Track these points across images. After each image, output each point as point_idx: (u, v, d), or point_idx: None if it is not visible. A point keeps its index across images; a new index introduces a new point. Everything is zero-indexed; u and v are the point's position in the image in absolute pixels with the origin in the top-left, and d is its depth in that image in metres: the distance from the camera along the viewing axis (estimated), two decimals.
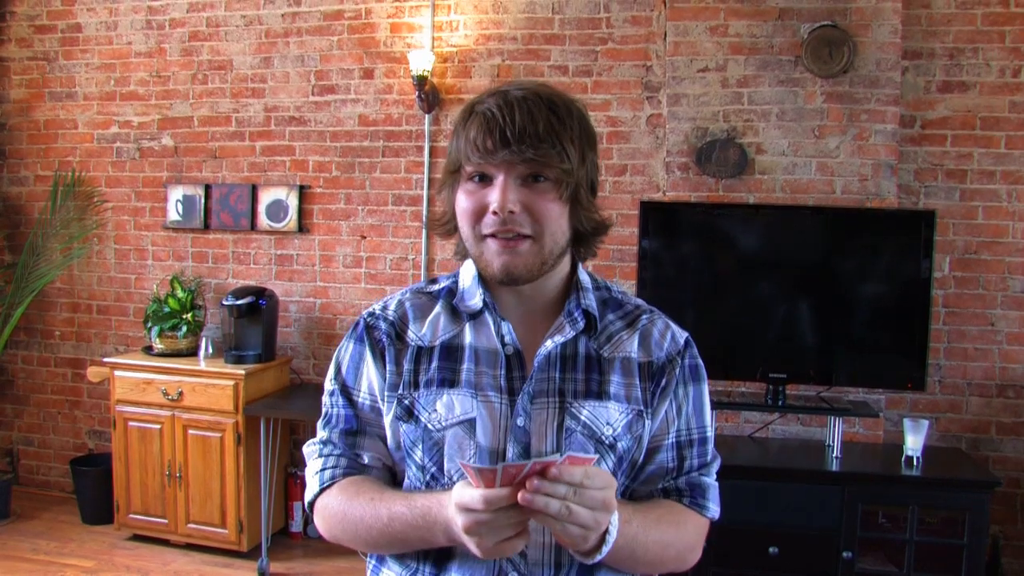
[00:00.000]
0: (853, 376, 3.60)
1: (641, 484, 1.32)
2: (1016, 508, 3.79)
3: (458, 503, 1.04)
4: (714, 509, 1.33)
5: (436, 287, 1.37)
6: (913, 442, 3.42)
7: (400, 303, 1.35)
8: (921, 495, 3.33)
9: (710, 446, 1.35)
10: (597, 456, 1.04)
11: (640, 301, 1.39)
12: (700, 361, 1.35)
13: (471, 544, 1.05)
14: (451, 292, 1.34)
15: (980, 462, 3.71)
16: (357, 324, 1.35)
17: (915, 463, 3.41)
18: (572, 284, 1.32)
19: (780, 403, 3.54)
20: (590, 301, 1.31)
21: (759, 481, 3.36)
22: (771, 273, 3.66)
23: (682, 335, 1.35)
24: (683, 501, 1.31)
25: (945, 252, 3.78)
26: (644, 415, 1.27)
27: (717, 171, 3.79)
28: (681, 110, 3.84)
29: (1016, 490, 3.77)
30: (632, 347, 1.30)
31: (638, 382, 1.28)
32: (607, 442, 1.24)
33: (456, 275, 1.36)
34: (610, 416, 1.25)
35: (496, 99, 1.18)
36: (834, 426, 3.52)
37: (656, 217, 3.67)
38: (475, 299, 1.29)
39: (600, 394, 1.26)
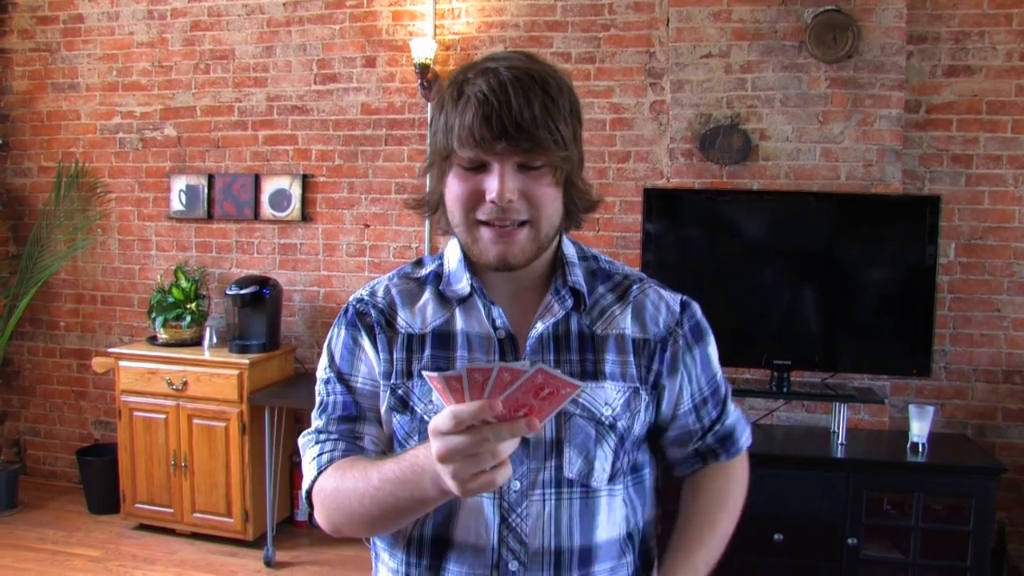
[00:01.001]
0: (858, 363, 3.59)
1: (672, 448, 1.38)
2: (1023, 495, 3.78)
3: (430, 428, 0.96)
4: (745, 439, 1.41)
5: (423, 271, 1.34)
6: (918, 428, 3.41)
7: (387, 289, 1.32)
8: (926, 482, 3.31)
9: (722, 388, 1.38)
10: (581, 385, 0.95)
11: (629, 269, 1.37)
12: (700, 318, 1.35)
13: (448, 479, 0.96)
14: (438, 276, 1.31)
15: (986, 448, 3.70)
16: (346, 310, 1.32)
17: (920, 450, 3.40)
18: (558, 260, 1.30)
19: (785, 390, 3.53)
20: (577, 276, 1.29)
21: (764, 468, 3.29)
22: (775, 260, 3.64)
23: (676, 300, 1.34)
24: (720, 459, 1.39)
25: (950, 238, 3.75)
26: (640, 391, 1.26)
27: (721, 157, 3.77)
28: (684, 96, 3.82)
29: (1022, 476, 3.76)
30: (625, 323, 1.28)
31: (632, 359, 1.27)
32: (607, 423, 1.23)
33: (441, 257, 1.34)
34: (607, 396, 1.23)
35: (487, 80, 1.13)
36: (839, 413, 3.51)
37: (660, 204, 3.65)
38: (462, 283, 1.27)
39: (596, 374, 1.24)
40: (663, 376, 1.30)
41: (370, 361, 1.27)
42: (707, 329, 1.35)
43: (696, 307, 1.35)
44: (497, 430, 0.93)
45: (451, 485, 0.97)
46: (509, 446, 0.96)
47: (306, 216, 4.51)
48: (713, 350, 1.36)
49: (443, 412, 0.95)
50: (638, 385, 1.26)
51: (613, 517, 1.25)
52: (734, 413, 1.41)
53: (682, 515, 1.39)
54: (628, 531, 1.28)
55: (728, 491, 1.40)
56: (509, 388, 0.93)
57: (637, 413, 1.26)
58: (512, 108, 1.11)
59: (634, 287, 1.32)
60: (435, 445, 0.96)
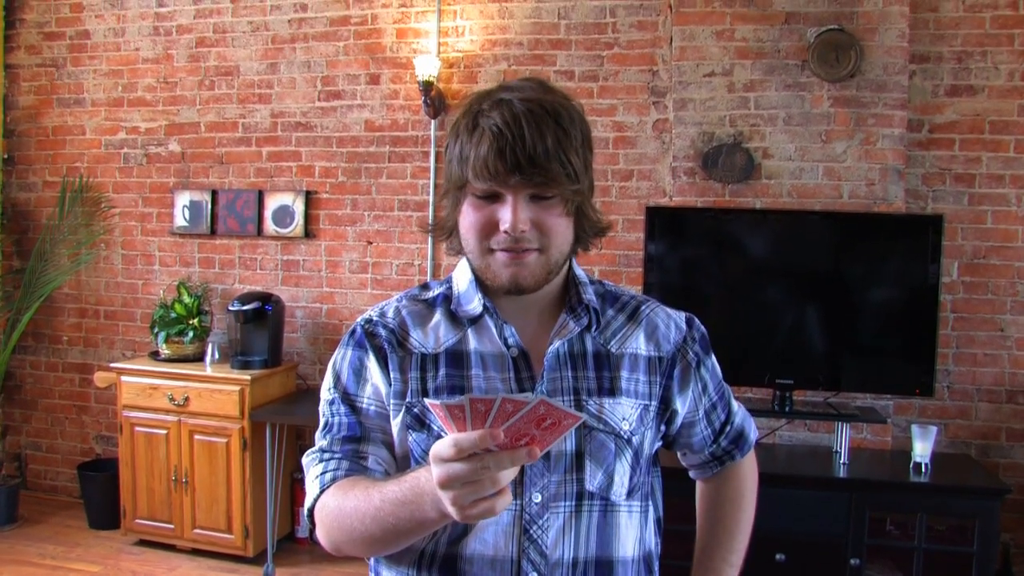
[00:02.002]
0: (861, 382, 3.58)
1: (689, 455, 1.48)
2: None
3: (432, 454, 0.98)
4: (754, 433, 1.50)
5: (430, 294, 1.36)
6: (921, 448, 3.39)
7: (397, 310, 1.33)
8: (930, 502, 3.30)
9: (726, 391, 1.45)
10: (583, 417, 0.99)
11: (633, 292, 1.43)
12: (704, 329, 1.41)
13: (448, 505, 0.98)
14: (447, 298, 1.33)
15: (990, 469, 3.68)
16: (354, 331, 1.33)
17: (923, 470, 3.38)
18: (570, 281, 1.34)
19: (787, 409, 3.52)
20: (590, 296, 1.32)
21: (766, 487, 3.28)
22: (778, 278, 3.64)
23: (681, 318, 1.40)
24: (736, 458, 1.47)
25: (953, 257, 3.75)
26: (649, 408, 1.31)
27: (724, 176, 3.77)
28: (687, 115, 3.83)
29: None
30: (639, 343, 1.32)
31: (643, 377, 1.31)
32: (625, 437, 1.26)
33: (449, 281, 1.36)
34: (624, 411, 1.27)
35: (501, 113, 1.16)
36: (841, 432, 3.50)
37: (662, 222, 3.66)
38: (473, 303, 1.29)
39: (613, 390, 1.27)
40: (673, 390, 1.34)
41: (376, 382, 1.28)
42: (709, 342, 1.42)
43: (698, 321, 1.41)
44: (498, 458, 0.95)
45: (451, 511, 0.98)
46: (509, 474, 0.97)
47: (309, 232, 4.52)
48: (715, 361, 1.43)
49: (445, 439, 0.97)
50: (647, 402, 1.30)
51: (632, 535, 1.28)
52: (739, 411, 1.48)
53: (703, 527, 1.52)
54: (644, 554, 1.32)
55: (743, 492, 1.51)
56: (511, 419, 0.94)
57: (648, 428, 1.30)
58: (526, 142, 1.14)
59: (643, 307, 1.37)
60: (436, 471, 0.98)
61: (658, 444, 1.37)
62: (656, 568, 1.37)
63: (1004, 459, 3.78)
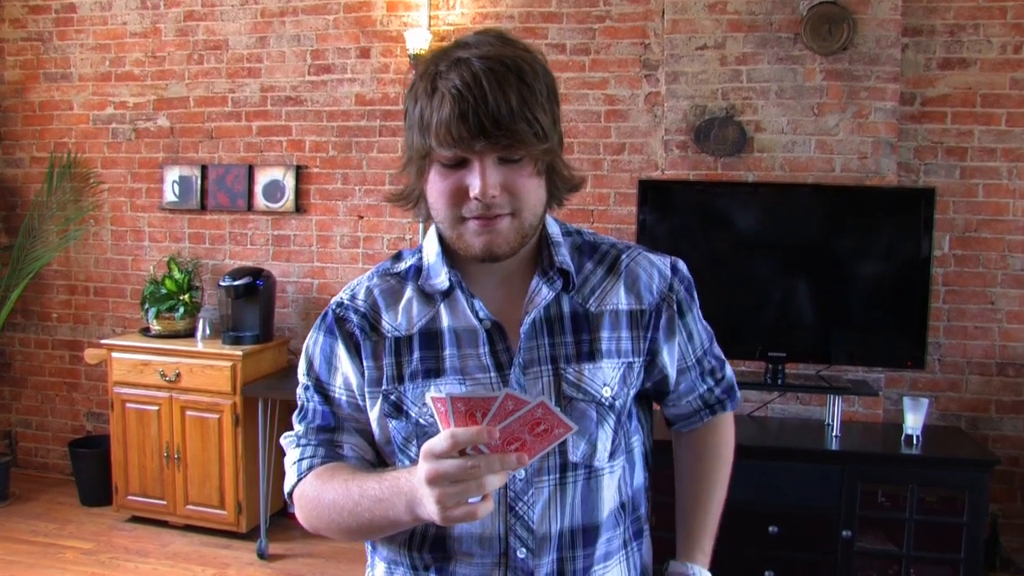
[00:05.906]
0: (853, 355, 3.59)
1: (677, 405, 1.41)
2: (1015, 487, 3.79)
3: (424, 449, 0.98)
4: (739, 394, 1.47)
5: (402, 266, 1.31)
6: (912, 421, 3.41)
7: (368, 291, 1.29)
8: (920, 474, 3.32)
9: (714, 343, 1.42)
10: (574, 428, 0.98)
11: (614, 239, 1.36)
12: (689, 277, 1.36)
13: (433, 503, 0.98)
14: (418, 271, 1.28)
15: (980, 441, 3.71)
16: (325, 315, 1.30)
17: (914, 442, 3.40)
18: (543, 241, 1.27)
19: (779, 382, 3.53)
20: (563, 256, 1.26)
21: (758, 460, 3.35)
22: (770, 251, 3.64)
23: (666, 264, 1.33)
24: (727, 408, 1.44)
25: (945, 230, 3.76)
26: (633, 365, 1.27)
27: (716, 149, 3.76)
28: (679, 88, 3.81)
29: (1015, 469, 3.77)
30: (619, 297, 1.27)
31: (625, 333, 1.26)
32: (607, 403, 1.23)
33: (420, 250, 1.31)
34: (606, 376, 1.23)
35: (460, 74, 1.09)
36: (833, 405, 3.51)
37: (654, 196, 3.65)
38: (440, 277, 1.25)
39: (592, 354, 1.23)
40: (660, 341, 1.30)
41: (347, 372, 1.26)
42: (694, 289, 1.37)
43: (683, 265, 1.36)
44: (489, 460, 0.96)
45: (433, 510, 0.98)
46: (495, 481, 0.97)
47: (300, 207, 4.50)
48: (699, 310, 1.39)
49: (441, 434, 0.97)
50: (631, 359, 1.26)
51: (611, 492, 1.26)
52: (726, 361, 1.45)
53: (689, 477, 1.46)
54: (621, 502, 1.29)
55: (726, 441, 1.47)
56: (509, 418, 0.95)
57: (632, 387, 1.27)
58: (488, 103, 1.07)
59: (623, 256, 1.31)
60: (425, 467, 0.98)
61: (637, 389, 1.30)
62: (642, 502, 1.35)
63: (994, 431, 3.81)
